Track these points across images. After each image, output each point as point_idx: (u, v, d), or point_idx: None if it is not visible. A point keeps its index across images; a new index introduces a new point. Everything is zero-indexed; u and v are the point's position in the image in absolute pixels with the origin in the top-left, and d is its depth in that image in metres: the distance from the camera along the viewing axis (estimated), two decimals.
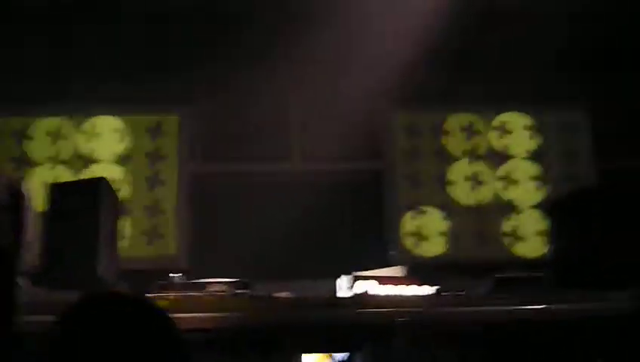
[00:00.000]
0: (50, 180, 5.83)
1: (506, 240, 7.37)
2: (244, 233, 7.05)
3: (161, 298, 3.72)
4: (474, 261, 7.13)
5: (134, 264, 6.56)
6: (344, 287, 3.76)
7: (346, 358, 3.84)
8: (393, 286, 3.69)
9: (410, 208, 7.23)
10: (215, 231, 7.13)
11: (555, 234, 4.46)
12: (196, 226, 7.22)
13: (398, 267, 4.02)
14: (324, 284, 5.60)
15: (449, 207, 7.40)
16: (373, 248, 6.74)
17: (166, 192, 7.24)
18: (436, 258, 7.17)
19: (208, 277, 6.66)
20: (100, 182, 4.63)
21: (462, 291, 3.91)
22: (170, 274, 4.10)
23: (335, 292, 3.84)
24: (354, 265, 5.77)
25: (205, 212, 7.21)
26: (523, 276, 3.88)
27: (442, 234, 7.29)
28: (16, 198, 3.95)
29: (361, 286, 3.66)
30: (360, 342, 3.78)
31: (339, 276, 5.48)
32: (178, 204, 7.21)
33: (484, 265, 6.99)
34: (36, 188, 4.44)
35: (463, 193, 7.44)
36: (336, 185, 7.19)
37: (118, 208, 4.91)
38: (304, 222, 6.87)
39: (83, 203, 4.45)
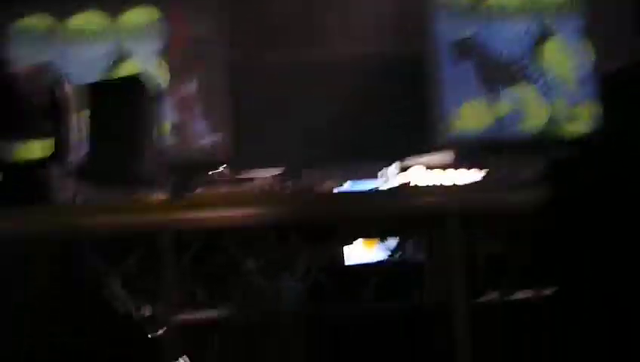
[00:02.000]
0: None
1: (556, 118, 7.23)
2: (288, 121, 7.01)
3: (206, 193, 3.71)
4: (522, 139, 7.03)
5: (179, 156, 6.60)
6: (392, 175, 3.71)
7: (395, 245, 3.83)
8: (440, 172, 3.63)
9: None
10: (258, 119, 7.10)
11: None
12: (239, 115, 7.19)
13: (446, 152, 3.95)
14: (371, 171, 5.58)
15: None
16: (420, 132, 6.65)
17: (207, 82, 7.19)
18: (483, 137, 7.07)
19: (253, 168, 6.71)
20: (139, 78, 4.60)
21: (509, 174, 3.85)
22: (216, 168, 4.08)
23: (383, 180, 3.79)
24: (401, 151, 5.74)
25: (247, 100, 7.17)
26: (575, 157, 3.77)
27: (489, 112, 7.18)
28: (59, 99, 3.93)
29: (408, 175, 3.60)
30: (408, 230, 3.75)
31: (386, 162, 5.46)
32: (220, 94, 7.16)
33: (532, 144, 6.93)
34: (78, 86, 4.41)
35: None
36: (380, 68, 7.07)
37: (158, 102, 4.88)
38: (348, 107, 6.80)
39: (123, 100, 4.43)
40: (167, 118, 6.78)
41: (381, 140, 6.70)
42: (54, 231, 3.39)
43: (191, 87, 7.18)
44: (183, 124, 7.06)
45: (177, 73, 7.15)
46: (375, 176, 5.76)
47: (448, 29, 7.34)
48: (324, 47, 7.30)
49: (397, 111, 6.91)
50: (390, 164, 5.16)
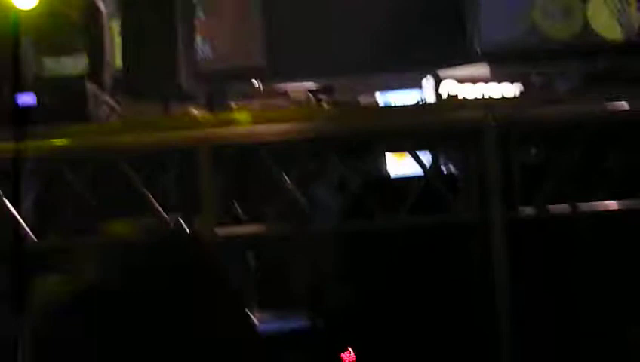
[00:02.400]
0: None
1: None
2: (324, 31, 6.94)
3: (242, 108, 3.71)
4: (561, 44, 6.89)
5: (214, 67, 6.57)
6: (428, 88, 3.68)
7: (431, 158, 3.81)
8: (474, 85, 3.59)
9: None
10: (295, 29, 7.03)
11: None
12: (274, 23, 7.12)
13: (480, 64, 3.90)
14: (408, 82, 5.53)
15: None
16: (456, 40, 6.53)
17: None
18: (521, 41, 6.93)
19: (290, 77, 6.67)
20: None
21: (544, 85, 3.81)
22: (251, 79, 4.05)
23: (419, 93, 3.76)
24: (437, 60, 5.68)
25: (282, 11, 7.09)
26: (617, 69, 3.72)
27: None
28: (93, 16, 3.91)
29: (444, 88, 3.57)
30: (444, 144, 3.74)
31: (422, 71, 5.41)
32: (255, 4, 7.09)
33: (572, 50, 6.79)
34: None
35: None
36: None
37: (194, 13, 4.85)
38: (384, 18, 6.71)
39: (159, 13, 4.40)
40: (202, 28, 6.72)
41: (417, 47, 6.62)
42: (92, 150, 3.42)
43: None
44: (217, 34, 7.00)
45: None
46: (411, 86, 5.73)
47: None
48: None
49: (434, 19, 6.79)
50: (426, 74, 5.13)
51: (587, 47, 6.76)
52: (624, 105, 3.41)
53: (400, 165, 4.12)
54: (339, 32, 6.81)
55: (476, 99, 3.45)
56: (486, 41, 6.79)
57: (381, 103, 4.73)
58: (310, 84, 4.01)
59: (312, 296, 3.89)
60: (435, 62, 5.63)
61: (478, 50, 6.35)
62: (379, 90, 5.27)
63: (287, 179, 3.47)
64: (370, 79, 6.24)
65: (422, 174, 3.54)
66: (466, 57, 5.35)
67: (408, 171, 3.86)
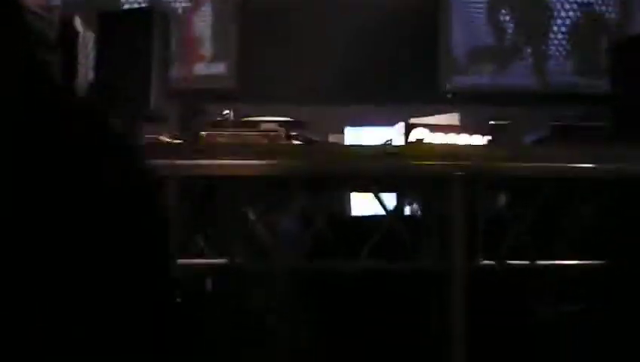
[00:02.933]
0: None
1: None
2: (297, 55, 6.96)
3: (212, 138, 3.70)
4: (530, 90, 6.99)
5: (186, 86, 6.56)
6: (398, 132, 3.71)
7: (397, 202, 3.84)
8: (444, 134, 3.62)
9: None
10: (268, 51, 7.04)
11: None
12: (247, 50, 7.12)
13: (452, 113, 3.93)
14: (378, 117, 5.55)
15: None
16: (428, 79, 6.60)
17: (216, 10, 7.11)
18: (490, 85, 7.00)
19: (260, 101, 6.67)
20: (152, 12, 4.55)
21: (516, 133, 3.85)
22: (223, 104, 4.05)
23: (389, 136, 3.79)
24: (409, 97, 5.71)
25: (257, 32, 7.09)
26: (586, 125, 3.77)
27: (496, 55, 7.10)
28: (68, 36, 3.90)
29: (415, 133, 3.60)
30: (411, 189, 3.77)
31: (394, 108, 5.43)
32: (229, 23, 7.09)
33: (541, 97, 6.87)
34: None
35: None
36: (395, 11, 6.99)
37: (169, 35, 4.83)
38: (359, 48, 6.75)
39: (135, 33, 4.39)
40: (177, 52, 6.71)
41: (389, 85, 6.67)
42: None
43: (201, 19, 7.09)
44: (191, 58, 7.00)
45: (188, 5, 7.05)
46: (381, 122, 5.75)
47: None
48: None
49: (407, 56, 6.85)
50: (397, 111, 5.15)
51: (557, 96, 6.87)
52: (590, 162, 3.46)
53: (365, 204, 4.13)
54: (312, 60, 6.83)
55: (444, 145, 3.46)
56: (456, 84, 6.87)
57: (351, 139, 4.74)
58: (282, 117, 3.98)
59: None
60: (404, 101, 5.67)
61: (448, 92, 6.42)
62: (350, 124, 5.28)
63: (251, 213, 3.48)
64: (341, 112, 6.26)
65: (387, 216, 3.57)
66: (436, 99, 5.38)
67: (374, 211, 3.87)
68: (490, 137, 3.65)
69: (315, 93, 6.71)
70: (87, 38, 4.22)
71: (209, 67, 7.11)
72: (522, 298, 3.68)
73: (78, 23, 3.90)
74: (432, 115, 4.00)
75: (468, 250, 3.38)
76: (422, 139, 3.58)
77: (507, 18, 7.21)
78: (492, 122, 4.33)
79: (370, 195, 3.66)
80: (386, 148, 3.53)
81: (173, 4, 6.90)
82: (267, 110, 6.45)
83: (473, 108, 4.79)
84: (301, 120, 4.05)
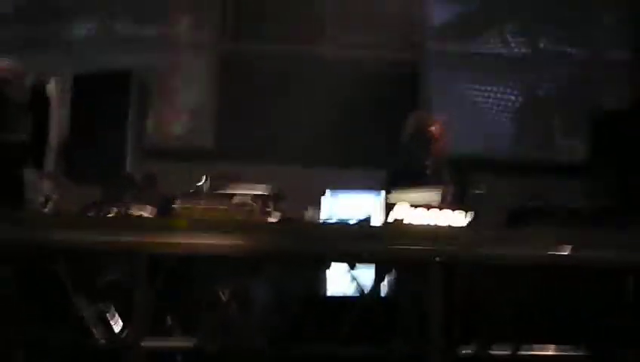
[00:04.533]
0: None
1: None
2: (276, 117, 6.88)
3: (185, 210, 3.59)
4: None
5: (163, 147, 6.44)
6: (377, 209, 3.60)
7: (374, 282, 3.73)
8: (426, 210, 3.52)
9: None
10: (245, 113, 6.96)
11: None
12: (225, 108, 7.04)
13: (434, 189, 3.83)
14: (357, 183, 5.46)
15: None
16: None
17: (194, 73, 7.04)
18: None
19: (238, 161, 6.57)
20: (130, 75, 4.44)
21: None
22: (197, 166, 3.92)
23: (368, 213, 3.68)
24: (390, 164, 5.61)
25: (235, 93, 7.02)
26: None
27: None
28: (39, 96, 3.80)
29: (394, 213, 3.49)
30: (389, 270, 3.67)
31: (373, 174, 5.33)
32: (207, 86, 7.01)
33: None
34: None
35: None
36: (373, 74, 6.94)
37: (147, 99, 4.73)
38: (339, 110, 6.69)
39: (111, 97, 4.29)
40: (152, 115, 6.59)
41: (370, 151, 6.59)
42: (22, 240, 3.27)
43: (177, 81, 7.01)
44: (166, 120, 6.90)
45: (165, 67, 6.96)
46: (360, 187, 5.66)
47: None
48: (320, 45, 7.14)
49: (387, 119, 6.78)
50: (377, 175, 5.07)
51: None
52: (568, 248, 3.38)
53: (342, 281, 4.01)
54: (293, 121, 6.75)
55: (424, 229, 3.36)
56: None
57: (329, 208, 4.63)
58: (257, 189, 3.86)
59: None
60: (385, 165, 5.58)
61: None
62: (330, 187, 5.18)
63: (222, 293, 3.36)
64: (320, 175, 6.16)
65: (364, 297, 3.46)
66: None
67: (350, 289, 3.76)
68: (472, 214, 3.54)
69: (295, 154, 6.62)
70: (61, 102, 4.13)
71: (187, 126, 7.01)
72: None
73: (51, 87, 3.80)
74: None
75: (447, 337, 3.27)
76: (401, 220, 3.48)
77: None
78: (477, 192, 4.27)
79: (346, 272, 3.55)
80: (364, 230, 3.42)
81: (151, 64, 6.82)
82: (245, 171, 6.40)
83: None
84: (277, 192, 3.92)
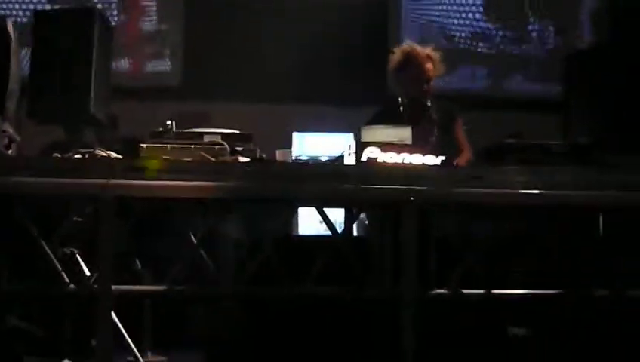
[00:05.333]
0: None
1: None
2: (244, 54, 6.77)
3: (152, 151, 3.49)
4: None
5: (129, 86, 6.33)
6: (349, 150, 3.53)
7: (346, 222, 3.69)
8: (397, 154, 3.44)
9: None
10: (213, 51, 6.84)
11: None
12: (193, 45, 6.91)
13: (407, 128, 3.75)
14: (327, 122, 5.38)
15: None
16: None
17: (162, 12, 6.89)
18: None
19: (206, 99, 6.47)
20: (93, 12, 4.32)
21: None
22: (166, 122, 3.82)
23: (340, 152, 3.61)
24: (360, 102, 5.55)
25: (203, 31, 6.88)
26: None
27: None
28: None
29: (366, 153, 3.42)
30: (362, 209, 3.62)
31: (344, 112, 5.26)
32: (174, 23, 6.87)
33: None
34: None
35: None
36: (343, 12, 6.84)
37: (111, 36, 4.61)
38: (309, 50, 6.58)
39: (74, 35, 4.16)
40: (118, 53, 6.46)
41: (340, 89, 6.51)
42: None
43: (142, 18, 6.85)
44: (134, 59, 6.76)
45: (129, 4, 6.80)
46: (332, 127, 5.60)
47: None
48: None
49: (359, 59, 6.69)
50: (348, 115, 4.99)
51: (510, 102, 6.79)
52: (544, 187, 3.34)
53: (313, 221, 3.97)
54: (261, 60, 6.64)
55: (398, 168, 3.30)
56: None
57: (299, 148, 4.57)
58: (226, 131, 3.78)
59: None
60: (355, 105, 5.51)
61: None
62: (299, 129, 5.11)
63: (192, 236, 3.30)
64: (289, 114, 6.09)
65: (336, 237, 3.41)
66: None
67: (322, 229, 3.71)
68: (443, 157, 3.48)
69: (263, 93, 6.53)
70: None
71: (154, 65, 6.88)
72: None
73: (10, 27, 3.66)
74: None
75: (420, 277, 3.24)
76: (375, 158, 3.41)
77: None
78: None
79: (317, 213, 3.49)
80: (336, 170, 3.35)
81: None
82: (213, 110, 6.30)
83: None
84: (248, 132, 3.83)
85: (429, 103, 4.49)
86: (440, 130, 4.43)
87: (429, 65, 4.54)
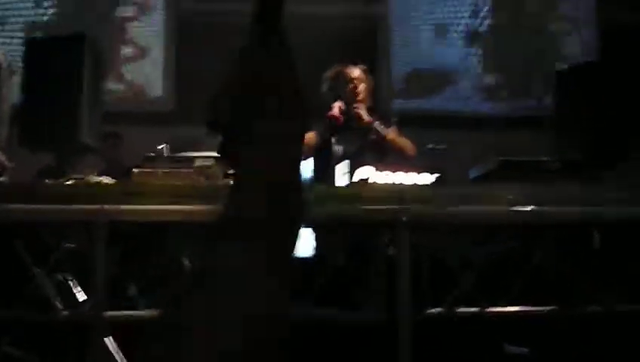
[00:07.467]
0: None
1: None
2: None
3: (144, 176, 3.49)
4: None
5: (121, 111, 6.33)
6: (342, 172, 3.54)
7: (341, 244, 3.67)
8: (391, 173, 3.45)
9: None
10: (203, 73, 6.85)
11: None
12: (183, 68, 6.93)
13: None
14: None
15: None
16: None
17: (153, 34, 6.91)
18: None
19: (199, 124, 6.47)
20: (83, 39, 4.32)
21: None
22: (158, 147, 3.82)
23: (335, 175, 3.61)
24: None
25: (193, 53, 6.90)
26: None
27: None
28: None
29: (359, 173, 3.42)
30: (356, 232, 3.61)
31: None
32: (165, 45, 6.89)
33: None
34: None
35: None
36: (332, 30, 6.86)
37: (102, 64, 4.61)
38: (302, 74, 6.58)
39: (65, 63, 4.16)
40: (111, 80, 6.47)
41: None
42: None
43: (134, 43, 6.88)
44: (126, 85, 6.78)
45: (122, 29, 6.83)
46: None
47: None
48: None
49: None
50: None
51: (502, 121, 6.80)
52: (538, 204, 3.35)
53: (307, 242, 3.95)
54: None
55: (390, 187, 3.30)
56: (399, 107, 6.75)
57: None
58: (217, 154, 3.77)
59: None
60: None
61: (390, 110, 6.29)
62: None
63: (186, 260, 3.29)
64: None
65: (330, 261, 3.41)
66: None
67: (316, 250, 3.69)
68: (437, 175, 3.48)
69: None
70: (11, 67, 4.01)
71: (145, 89, 6.89)
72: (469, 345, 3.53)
73: (1, 55, 3.67)
74: None
75: (415, 298, 3.23)
76: (366, 179, 3.41)
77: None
78: (430, 146, 4.22)
79: (310, 234, 3.48)
80: (330, 190, 3.35)
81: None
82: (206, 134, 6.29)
83: (415, 131, 4.63)
84: None
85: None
86: None
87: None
